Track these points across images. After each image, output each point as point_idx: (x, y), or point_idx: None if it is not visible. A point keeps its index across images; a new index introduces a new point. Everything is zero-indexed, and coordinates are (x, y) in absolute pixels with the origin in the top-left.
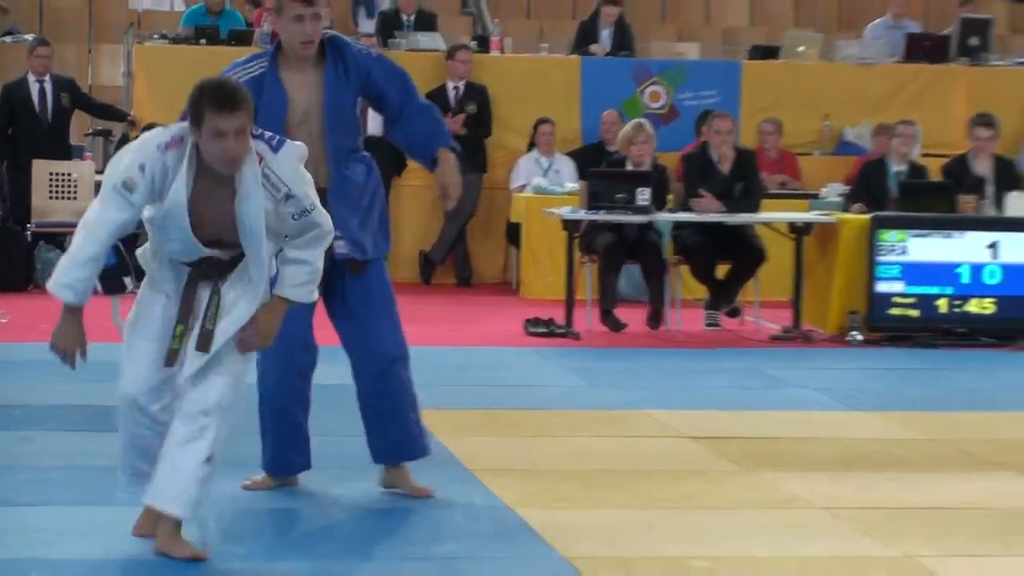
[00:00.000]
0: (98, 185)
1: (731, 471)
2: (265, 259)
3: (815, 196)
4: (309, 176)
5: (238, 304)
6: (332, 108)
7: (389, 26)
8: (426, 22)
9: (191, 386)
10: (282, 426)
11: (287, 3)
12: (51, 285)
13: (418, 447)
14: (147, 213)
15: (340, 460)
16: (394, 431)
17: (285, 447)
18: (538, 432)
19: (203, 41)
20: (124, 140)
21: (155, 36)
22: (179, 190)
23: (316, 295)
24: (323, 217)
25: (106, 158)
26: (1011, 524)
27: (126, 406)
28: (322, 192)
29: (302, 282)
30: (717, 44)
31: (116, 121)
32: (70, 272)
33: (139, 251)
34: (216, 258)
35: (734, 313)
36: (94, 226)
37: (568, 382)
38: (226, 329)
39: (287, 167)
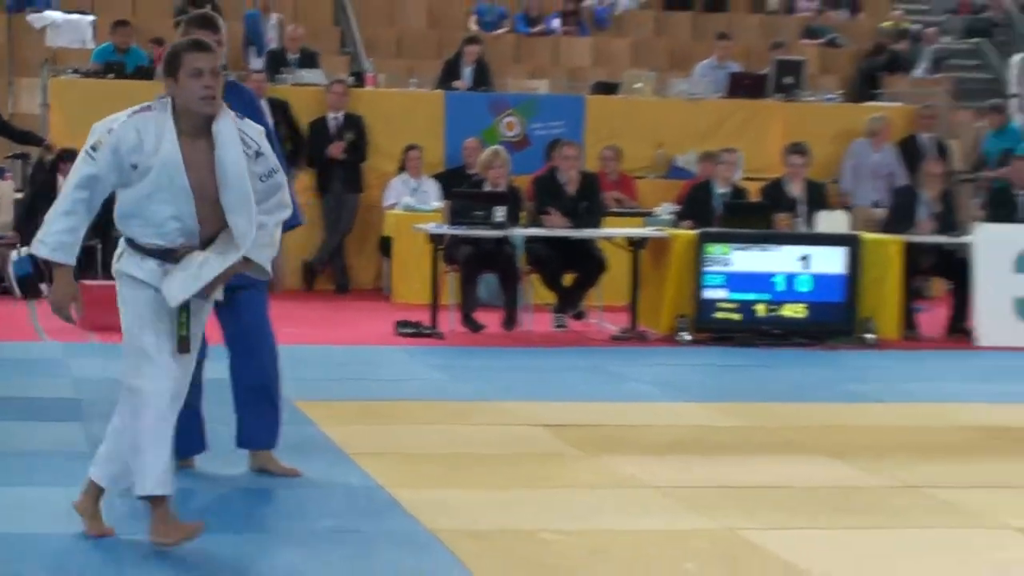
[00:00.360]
0: (16, 202)
1: (576, 455)
2: (254, 207)
3: (650, 214)
4: None
5: (206, 259)
6: None
7: (276, 63)
8: (309, 60)
9: None
10: (183, 412)
11: (193, 31)
12: (32, 245)
13: (279, 436)
14: (123, 205)
15: (230, 445)
16: (270, 421)
17: (185, 431)
18: (408, 421)
19: (111, 75)
20: (40, 163)
21: (69, 71)
22: (170, 147)
23: (271, 270)
24: (285, 181)
25: (24, 178)
26: (821, 501)
27: (166, 401)
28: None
29: (265, 243)
30: (564, 81)
31: (34, 146)
32: (43, 228)
33: (116, 267)
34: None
35: (579, 316)
36: (64, 190)
37: (434, 377)
38: (189, 277)
39: (253, 129)
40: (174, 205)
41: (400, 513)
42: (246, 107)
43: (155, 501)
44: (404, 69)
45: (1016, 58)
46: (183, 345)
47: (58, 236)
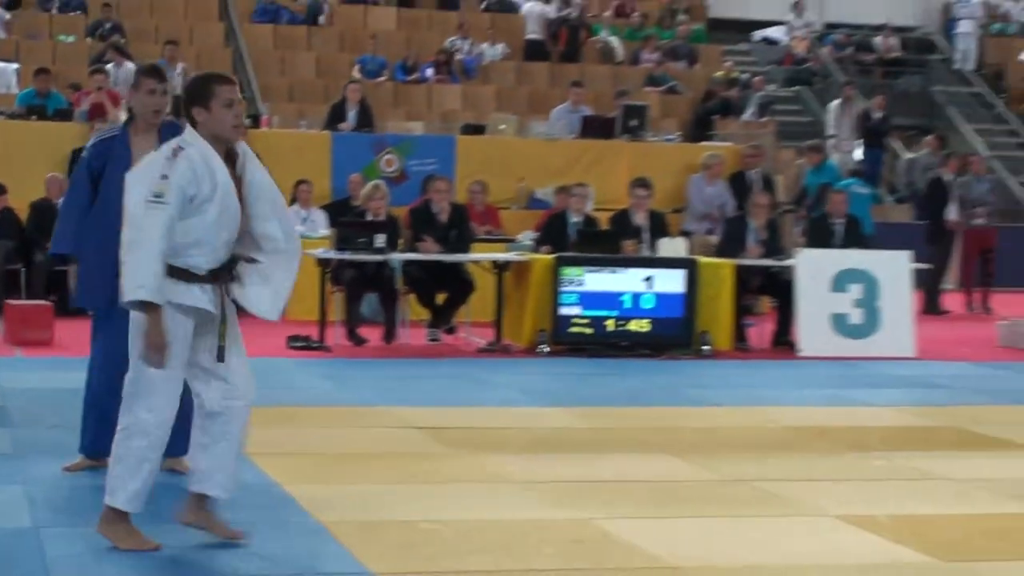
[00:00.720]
0: None
1: (449, 454)
2: (288, 213)
3: (512, 240)
4: None
5: (267, 274)
6: None
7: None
8: None
9: (211, 383)
10: (102, 416)
11: (142, 79)
12: (124, 294)
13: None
14: (186, 236)
15: None
16: (183, 428)
17: (103, 433)
18: (299, 424)
19: (34, 117)
20: None
21: None
22: (223, 174)
23: None
24: None
25: None
26: (664, 493)
27: (162, 433)
28: None
29: None
30: (437, 123)
31: None
32: (137, 274)
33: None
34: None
35: (450, 331)
36: (144, 237)
37: (322, 385)
38: (273, 294)
39: None
40: (229, 227)
41: (293, 507)
42: None
43: (120, 511)
44: (295, 112)
45: (833, 104)
46: (221, 354)
47: (155, 280)
